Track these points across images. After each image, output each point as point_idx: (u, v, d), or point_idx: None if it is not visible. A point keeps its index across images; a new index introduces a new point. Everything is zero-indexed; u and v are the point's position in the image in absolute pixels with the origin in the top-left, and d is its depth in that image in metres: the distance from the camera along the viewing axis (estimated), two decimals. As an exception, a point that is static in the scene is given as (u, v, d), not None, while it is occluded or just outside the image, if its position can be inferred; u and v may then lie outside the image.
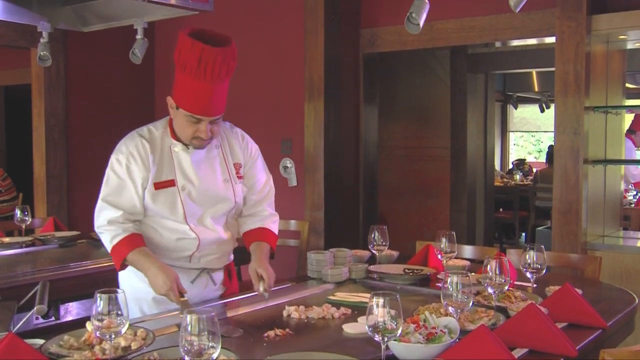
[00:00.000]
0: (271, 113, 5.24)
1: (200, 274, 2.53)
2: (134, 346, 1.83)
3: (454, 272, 1.99)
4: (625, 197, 5.75)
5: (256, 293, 2.44)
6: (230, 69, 2.31)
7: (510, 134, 12.00)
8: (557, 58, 3.95)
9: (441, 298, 1.98)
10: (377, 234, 2.91)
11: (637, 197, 6.55)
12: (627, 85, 5.58)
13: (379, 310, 1.70)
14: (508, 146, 11.91)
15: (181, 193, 2.41)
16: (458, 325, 1.91)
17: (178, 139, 2.43)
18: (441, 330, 1.88)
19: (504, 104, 11.17)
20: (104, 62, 5.60)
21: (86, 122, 5.51)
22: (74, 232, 4.05)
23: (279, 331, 2.09)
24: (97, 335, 1.72)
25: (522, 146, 13.59)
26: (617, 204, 4.54)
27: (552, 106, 8.40)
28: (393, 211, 7.17)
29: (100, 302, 1.68)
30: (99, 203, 2.39)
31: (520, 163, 10.51)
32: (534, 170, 9.92)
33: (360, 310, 2.31)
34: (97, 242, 3.81)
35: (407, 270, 2.87)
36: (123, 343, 1.83)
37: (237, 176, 2.54)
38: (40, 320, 2.93)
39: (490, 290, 2.20)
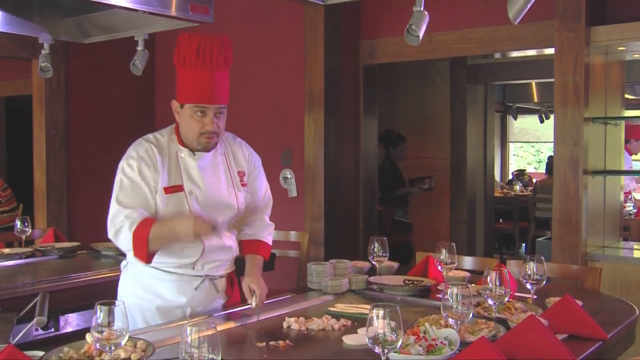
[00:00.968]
0: (271, 124, 5.25)
1: (204, 281, 2.53)
2: (133, 358, 1.83)
3: (454, 283, 1.99)
4: (624, 208, 5.75)
5: (250, 306, 2.47)
6: (228, 58, 2.40)
7: (510, 144, 12.01)
8: (556, 69, 3.97)
9: (441, 309, 1.98)
10: (377, 245, 2.91)
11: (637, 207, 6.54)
12: (626, 96, 5.61)
13: (379, 322, 1.70)
14: (508, 157, 11.92)
15: (189, 198, 2.42)
16: (458, 337, 1.91)
17: (185, 145, 2.46)
18: (441, 342, 1.88)
19: (503, 115, 11.20)
20: (104, 73, 5.62)
21: (87, 133, 5.51)
22: (74, 243, 4.04)
23: (279, 342, 2.09)
24: (97, 347, 1.72)
25: (521, 157, 13.60)
26: (617, 215, 4.54)
27: (552, 117, 8.43)
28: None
29: (100, 314, 1.68)
30: (115, 207, 2.36)
31: (520, 174, 10.52)
32: (534, 180, 9.93)
33: (360, 321, 2.31)
34: (97, 253, 3.84)
35: (407, 282, 2.87)
36: (123, 355, 1.83)
37: (241, 184, 2.59)
38: (40, 331, 2.93)
39: (490, 301, 2.19)
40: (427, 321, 2.13)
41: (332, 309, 2.52)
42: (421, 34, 2.68)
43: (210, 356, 1.53)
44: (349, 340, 2.13)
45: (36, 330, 2.84)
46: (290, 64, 5.10)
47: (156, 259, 2.41)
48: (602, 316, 2.40)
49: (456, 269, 2.83)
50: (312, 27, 4.82)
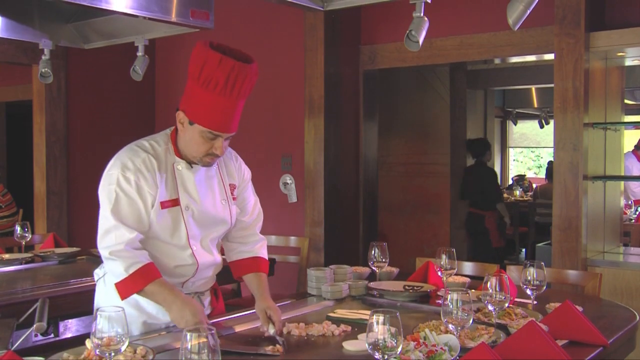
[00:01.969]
0: (271, 129, 5.25)
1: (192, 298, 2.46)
2: (133, 364, 1.83)
3: (454, 289, 1.99)
4: (625, 214, 5.75)
5: (254, 311, 2.42)
6: (253, 85, 2.25)
7: (510, 149, 12.01)
8: (556, 74, 3.98)
9: (441, 315, 1.98)
10: (377, 250, 2.91)
11: (637, 212, 6.54)
12: (626, 101, 5.61)
13: (379, 328, 1.70)
14: (508, 162, 11.91)
15: (184, 213, 2.31)
16: (458, 343, 1.91)
17: (182, 157, 2.32)
18: (441, 348, 1.88)
19: (503, 120, 11.20)
20: (104, 78, 5.63)
21: (87, 139, 5.52)
22: (74, 249, 4.04)
23: (278, 348, 2.09)
24: (97, 353, 1.71)
25: (521, 162, 13.60)
26: (617, 220, 4.54)
27: (552, 122, 8.43)
28: (393, 228, 7.17)
29: (100, 320, 1.68)
30: (111, 222, 2.19)
31: (520, 179, 10.50)
32: (534, 186, 9.92)
33: (360, 327, 2.31)
34: (97, 259, 3.80)
35: (407, 287, 2.86)
36: (122, 361, 1.83)
37: (232, 197, 2.47)
38: (40, 337, 2.92)
39: (490, 307, 2.19)
40: (427, 327, 2.13)
41: (332, 314, 2.51)
42: (421, 40, 2.69)
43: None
44: (349, 346, 2.13)
45: (36, 336, 2.83)
46: (290, 70, 5.11)
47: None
48: (603, 322, 2.39)
49: (456, 274, 2.83)
50: (312, 33, 4.83)
